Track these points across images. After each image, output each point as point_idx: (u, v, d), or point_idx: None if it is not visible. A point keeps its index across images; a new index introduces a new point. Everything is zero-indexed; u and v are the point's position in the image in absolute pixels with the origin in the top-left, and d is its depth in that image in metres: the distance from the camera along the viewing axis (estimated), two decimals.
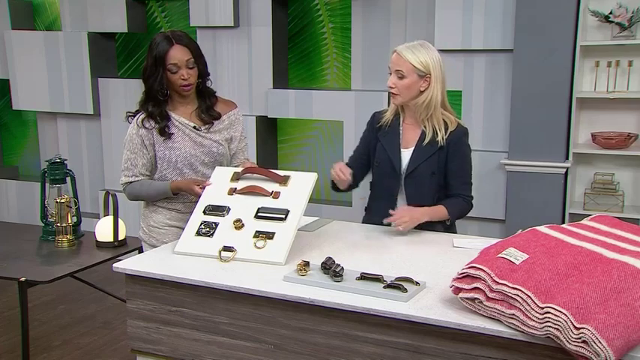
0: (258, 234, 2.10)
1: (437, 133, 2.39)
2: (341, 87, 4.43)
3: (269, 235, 2.08)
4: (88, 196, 5.04)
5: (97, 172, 5.04)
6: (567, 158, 3.58)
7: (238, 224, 2.14)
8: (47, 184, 3.11)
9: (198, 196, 2.28)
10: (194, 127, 2.45)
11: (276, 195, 2.20)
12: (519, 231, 1.87)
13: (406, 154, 2.44)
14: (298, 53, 4.55)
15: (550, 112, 3.51)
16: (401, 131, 2.46)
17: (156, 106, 2.40)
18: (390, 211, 2.32)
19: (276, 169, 4.70)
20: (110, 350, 3.42)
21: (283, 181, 2.24)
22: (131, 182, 2.47)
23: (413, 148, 2.43)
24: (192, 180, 2.38)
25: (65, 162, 3.13)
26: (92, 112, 4.85)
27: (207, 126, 2.47)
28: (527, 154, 3.57)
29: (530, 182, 3.57)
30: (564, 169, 3.53)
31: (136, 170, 2.45)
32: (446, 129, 2.39)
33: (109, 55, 4.98)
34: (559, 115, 3.52)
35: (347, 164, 2.51)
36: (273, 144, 4.66)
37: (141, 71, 2.43)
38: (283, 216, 2.13)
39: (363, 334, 1.74)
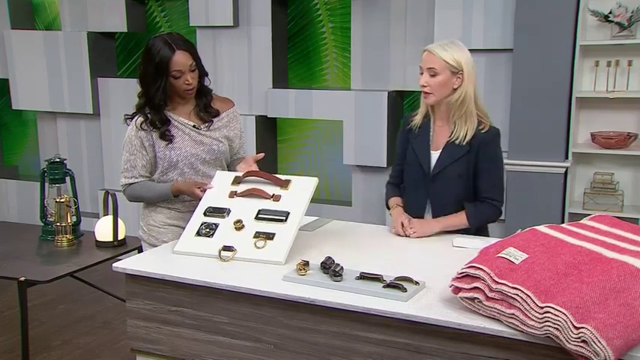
0: (258, 234, 2.10)
1: (467, 133, 2.31)
2: (341, 87, 4.43)
3: (269, 236, 2.09)
4: (87, 195, 5.04)
5: (96, 172, 5.04)
6: (567, 158, 3.58)
7: (238, 225, 2.15)
8: (47, 184, 3.11)
9: (199, 198, 2.29)
10: (194, 126, 2.45)
11: (276, 198, 2.20)
12: (519, 231, 1.87)
13: (435, 156, 2.39)
14: (298, 53, 4.55)
15: (550, 111, 3.51)
16: (431, 133, 2.40)
17: (155, 113, 2.39)
18: (403, 222, 2.32)
19: (276, 169, 4.74)
20: (110, 350, 3.42)
21: (284, 184, 2.25)
22: (131, 184, 2.46)
23: (442, 149, 2.38)
24: (193, 182, 2.38)
25: (65, 162, 3.13)
26: (92, 112, 4.85)
27: (206, 124, 2.47)
28: (526, 153, 3.57)
29: (530, 182, 3.57)
30: (564, 169, 3.53)
31: (136, 172, 2.44)
32: (477, 129, 2.32)
33: (109, 54, 4.98)
34: (559, 114, 3.52)
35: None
36: (272, 144, 4.67)
37: (138, 76, 2.40)
38: (284, 217, 2.13)
39: (363, 334, 1.74)
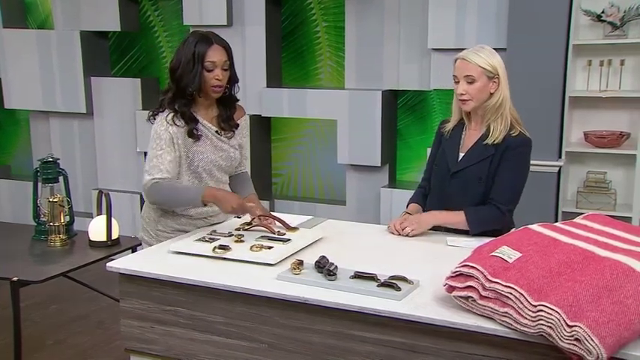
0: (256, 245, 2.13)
1: (500, 134, 2.29)
2: (335, 86, 4.43)
3: (267, 247, 2.11)
4: (81, 195, 5.02)
5: (90, 171, 5.02)
6: (560, 157, 3.59)
7: (238, 239, 2.19)
8: (40, 184, 3.10)
9: (228, 212, 2.30)
10: (216, 132, 2.41)
11: (280, 234, 2.26)
12: (512, 229, 1.87)
13: (462, 157, 2.38)
14: (292, 52, 4.55)
15: (543, 111, 3.52)
16: (463, 136, 2.40)
17: (185, 106, 2.33)
18: (397, 224, 2.32)
19: (270, 168, 4.73)
20: (104, 350, 3.41)
21: (292, 229, 2.31)
22: (157, 180, 2.29)
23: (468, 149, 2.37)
24: (237, 198, 2.32)
25: (58, 161, 3.12)
26: (85, 111, 4.83)
27: (227, 133, 2.44)
28: None
29: None
30: (557, 168, 3.54)
31: (163, 167, 2.31)
32: (509, 132, 2.30)
33: (102, 53, 4.97)
34: (552, 113, 3.53)
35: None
36: (267, 143, 4.66)
37: (170, 68, 2.35)
38: (284, 241, 2.18)
39: (358, 333, 1.74)
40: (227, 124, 2.44)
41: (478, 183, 2.31)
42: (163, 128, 2.32)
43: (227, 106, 2.45)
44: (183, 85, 2.31)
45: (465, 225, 2.28)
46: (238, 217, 2.44)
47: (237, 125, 2.47)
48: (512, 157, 2.29)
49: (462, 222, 2.28)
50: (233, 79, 2.42)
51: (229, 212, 2.30)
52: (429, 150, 2.64)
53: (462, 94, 2.28)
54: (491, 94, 2.29)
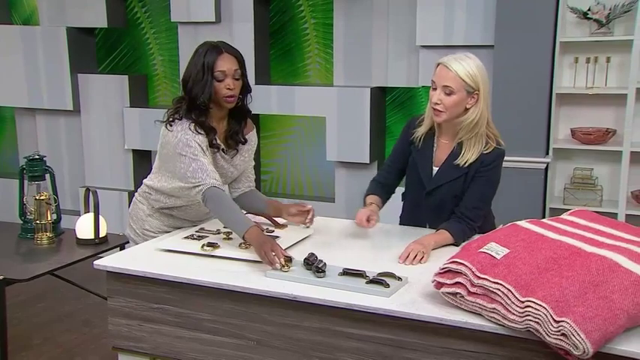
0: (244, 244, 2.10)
1: (472, 156, 2.20)
2: (323, 83, 4.43)
3: None
4: (67, 193, 4.98)
5: (77, 169, 4.98)
6: (547, 153, 3.61)
7: (227, 236, 2.19)
8: (26, 181, 3.07)
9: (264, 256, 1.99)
10: (222, 149, 2.34)
11: (269, 231, 2.27)
12: (500, 226, 1.89)
13: (435, 172, 2.30)
14: (280, 49, 4.54)
15: (530, 107, 3.54)
16: (435, 148, 2.29)
17: (203, 116, 2.26)
18: (399, 260, 2.03)
19: (259, 165, 4.71)
20: (91, 348, 3.39)
21: (280, 227, 2.34)
22: (215, 185, 2.15)
23: (440, 166, 2.29)
24: (275, 244, 2.00)
25: (44, 159, 3.09)
26: (72, 109, 4.79)
27: (231, 151, 2.37)
28: (507, 149, 3.54)
29: (511, 177, 3.59)
30: (544, 165, 3.57)
31: (209, 169, 2.19)
32: (481, 151, 2.21)
33: (89, 50, 4.92)
34: (539, 110, 3.55)
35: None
36: None
37: (182, 79, 2.29)
38: (273, 238, 2.15)
39: (347, 330, 1.74)
40: (234, 139, 2.37)
41: (453, 200, 2.26)
42: (189, 137, 2.21)
43: (238, 119, 2.38)
44: (194, 96, 2.23)
45: (452, 240, 2.18)
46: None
47: (245, 141, 2.40)
48: (485, 173, 2.23)
49: (450, 241, 2.17)
50: (246, 89, 2.34)
51: (261, 257, 2.00)
52: None
53: (437, 104, 2.15)
54: (467, 109, 2.16)
